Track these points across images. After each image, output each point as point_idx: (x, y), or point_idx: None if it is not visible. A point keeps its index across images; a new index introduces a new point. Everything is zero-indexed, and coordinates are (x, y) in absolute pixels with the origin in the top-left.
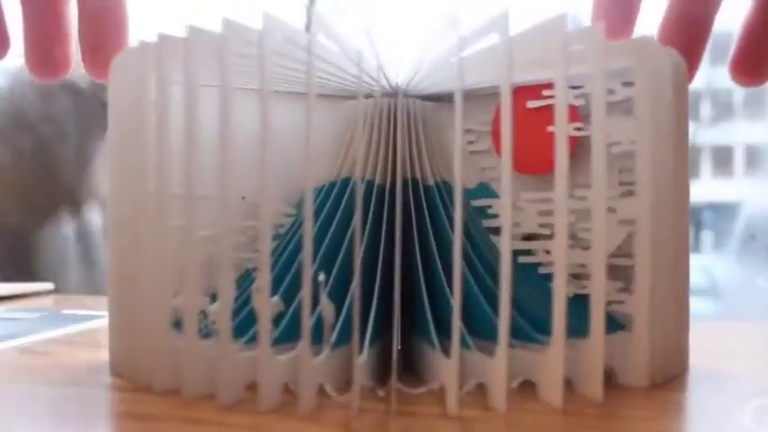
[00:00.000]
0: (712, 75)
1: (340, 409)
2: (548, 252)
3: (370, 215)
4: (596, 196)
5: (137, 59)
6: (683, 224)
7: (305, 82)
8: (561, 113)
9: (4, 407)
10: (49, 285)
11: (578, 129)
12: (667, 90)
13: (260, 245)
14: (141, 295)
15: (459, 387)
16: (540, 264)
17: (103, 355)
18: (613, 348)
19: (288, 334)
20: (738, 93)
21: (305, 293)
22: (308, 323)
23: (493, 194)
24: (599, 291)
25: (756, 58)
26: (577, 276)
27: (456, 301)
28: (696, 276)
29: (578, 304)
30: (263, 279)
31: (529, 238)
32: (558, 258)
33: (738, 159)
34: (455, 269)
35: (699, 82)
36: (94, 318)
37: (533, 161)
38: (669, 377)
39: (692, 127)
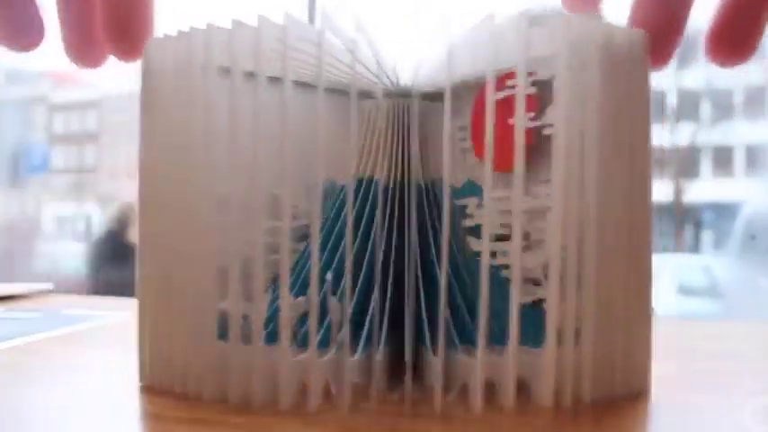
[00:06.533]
0: (712, 75)
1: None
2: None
3: (387, 217)
4: (556, 194)
5: (179, 46)
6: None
7: (315, 77)
8: (520, 105)
9: (3, 407)
10: (48, 285)
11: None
12: (594, 69)
13: (280, 246)
14: (181, 300)
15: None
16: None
17: (104, 355)
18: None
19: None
20: (738, 93)
21: (312, 294)
22: (315, 324)
23: (479, 192)
24: (552, 296)
25: (733, 34)
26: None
27: (442, 302)
28: (696, 276)
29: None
30: (284, 281)
31: (500, 239)
32: (513, 262)
33: (739, 159)
34: (441, 272)
35: (699, 82)
36: (94, 318)
37: (505, 158)
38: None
39: (692, 127)
